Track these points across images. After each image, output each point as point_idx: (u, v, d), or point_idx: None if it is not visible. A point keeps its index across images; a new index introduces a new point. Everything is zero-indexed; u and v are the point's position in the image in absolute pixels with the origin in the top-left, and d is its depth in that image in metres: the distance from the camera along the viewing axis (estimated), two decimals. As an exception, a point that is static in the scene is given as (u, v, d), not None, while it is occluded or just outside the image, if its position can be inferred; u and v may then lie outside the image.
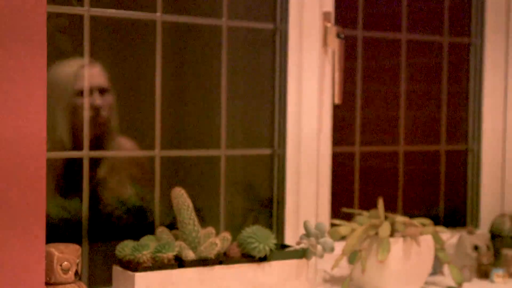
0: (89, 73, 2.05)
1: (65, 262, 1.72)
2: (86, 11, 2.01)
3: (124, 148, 2.15)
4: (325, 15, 2.26)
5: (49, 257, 1.70)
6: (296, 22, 2.25)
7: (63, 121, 2.05)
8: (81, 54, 2.02)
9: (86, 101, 2.03)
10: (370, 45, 2.50)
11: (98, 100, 2.06)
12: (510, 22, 2.60)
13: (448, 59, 2.64)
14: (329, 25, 2.26)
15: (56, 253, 1.72)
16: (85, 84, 2.03)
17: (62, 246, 1.75)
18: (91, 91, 2.05)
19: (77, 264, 1.75)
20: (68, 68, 2.06)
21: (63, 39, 2.03)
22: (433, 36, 2.63)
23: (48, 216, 1.92)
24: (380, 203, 2.19)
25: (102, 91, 2.08)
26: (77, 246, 1.77)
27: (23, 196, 1.55)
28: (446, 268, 2.32)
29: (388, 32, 2.55)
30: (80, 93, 2.04)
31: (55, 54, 1.99)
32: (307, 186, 2.26)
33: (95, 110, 2.06)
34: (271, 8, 2.28)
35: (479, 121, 2.64)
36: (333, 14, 2.28)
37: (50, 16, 1.88)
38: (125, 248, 1.83)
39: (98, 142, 2.08)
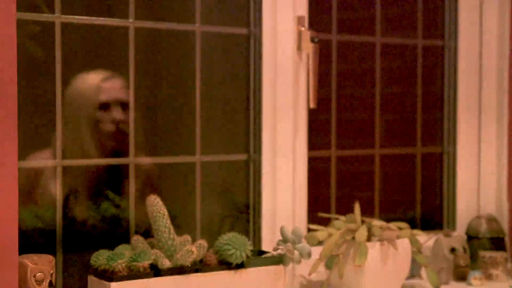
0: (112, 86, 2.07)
1: (39, 273, 1.70)
2: (57, 18, 1.99)
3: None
4: (299, 20, 2.25)
5: (22, 268, 1.68)
6: (270, 26, 2.24)
7: (38, 129, 2.03)
8: (53, 61, 2.00)
9: (59, 109, 2.01)
10: (344, 48, 2.50)
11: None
12: (483, 24, 2.61)
13: (423, 62, 2.65)
14: (303, 29, 2.25)
15: (30, 264, 1.70)
16: (58, 90, 2.01)
17: (35, 257, 1.73)
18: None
19: (51, 275, 1.73)
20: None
21: (34, 46, 2.00)
22: (407, 39, 2.63)
23: (21, 226, 1.90)
24: (357, 207, 2.18)
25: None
26: (50, 257, 1.75)
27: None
28: (423, 271, 2.32)
29: (362, 36, 2.55)
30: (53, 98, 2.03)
31: (26, 62, 1.97)
32: (283, 191, 2.25)
33: None
34: (244, 13, 2.27)
35: (454, 123, 2.64)
36: (307, 18, 2.28)
37: (21, 23, 1.86)
38: (100, 258, 1.81)
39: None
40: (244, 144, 2.29)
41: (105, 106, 2.09)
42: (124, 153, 2.10)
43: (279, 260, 1.98)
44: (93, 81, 2.09)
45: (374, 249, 2.10)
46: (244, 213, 2.30)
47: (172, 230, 1.89)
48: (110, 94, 2.09)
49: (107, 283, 1.78)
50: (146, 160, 2.16)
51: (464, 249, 2.39)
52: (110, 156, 2.12)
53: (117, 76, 2.11)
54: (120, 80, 2.11)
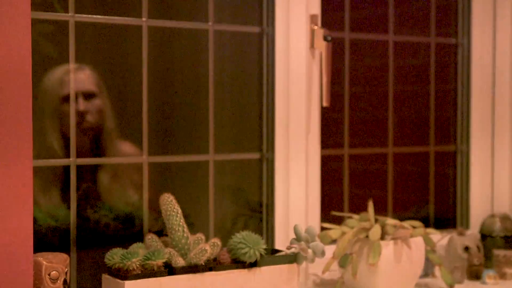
0: (76, 78, 2.03)
1: (54, 272, 1.70)
2: (71, 17, 2.00)
3: (124, 152, 2.14)
4: (312, 18, 2.25)
5: (37, 267, 1.69)
6: (282, 25, 2.24)
7: (51, 128, 2.03)
8: (66, 60, 2.00)
9: (72, 107, 2.01)
10: (357, 47, 2.50)
11: (85, 105, 2.04)
12: (496, 21, 2.60)
13: (436, 60, 2.64)
14: (316, 27, 2.25)
15: (44, 262, 1.70)
16: (71, 90, 2.01)
17: (50, 255, 1.73)
18: (77, 97, 2.03)
19: (66, 273, 1.73)
20: (55, 74, 2.04)
21: (48, 45, 2.01)
22: (420, 37, 2.63)
23: (35, 225, 1.90)
24: (370, 205, 2.18)
25: (89, 96, 2.06)
26: (65, 255, 1.75)
27: (9, 203, 1.53)
28: (437, 270, 2.32)
29: (375, 34, 2.54)
30: (67, 98, 2.02)
31: (41, 61, 1.97)
32: (297, 190, 2.25)
33: (83, 115, 2.05)
34: (257, 11, 2.27)
35: (468, 121, 2.63)
36: (320, 17, 2.27)
37: (35, 22, 1.86)
38: (114, 256, 1.81)
39: (88, 148, 2.07)
40: (257, 143, 2.29)
41: (67, 99, 2.05)
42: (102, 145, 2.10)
43: (292, 258, 1.98)
44: (60, 74, 2.06)
45: (387, 247, 2.09)
46: (257, 211, 2.30)
47: (185, 229, 1.89)
48: (78, 85, 2.07)
49: (121, 281, 1.78)
50: (159, 159, 2.16)
51: (478, 247, 2.38)
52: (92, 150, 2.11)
53: (84, 67, 2.08)
54: (88, 71, 2.08)
